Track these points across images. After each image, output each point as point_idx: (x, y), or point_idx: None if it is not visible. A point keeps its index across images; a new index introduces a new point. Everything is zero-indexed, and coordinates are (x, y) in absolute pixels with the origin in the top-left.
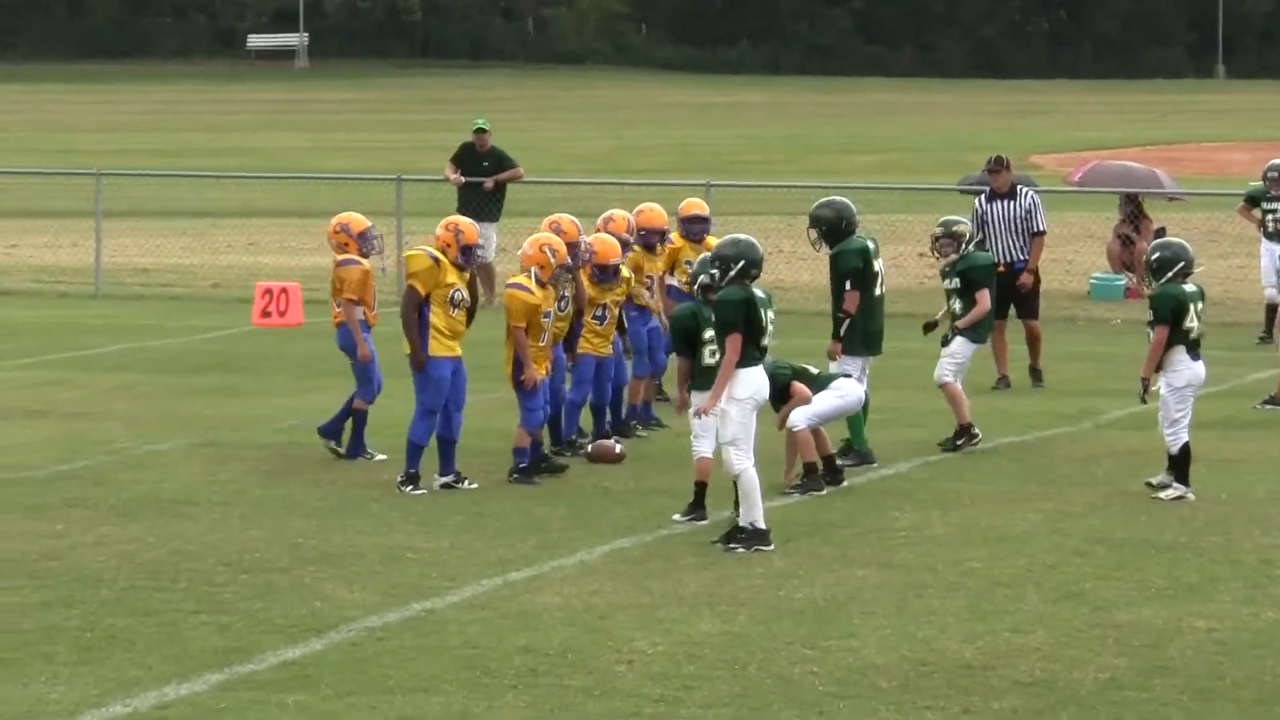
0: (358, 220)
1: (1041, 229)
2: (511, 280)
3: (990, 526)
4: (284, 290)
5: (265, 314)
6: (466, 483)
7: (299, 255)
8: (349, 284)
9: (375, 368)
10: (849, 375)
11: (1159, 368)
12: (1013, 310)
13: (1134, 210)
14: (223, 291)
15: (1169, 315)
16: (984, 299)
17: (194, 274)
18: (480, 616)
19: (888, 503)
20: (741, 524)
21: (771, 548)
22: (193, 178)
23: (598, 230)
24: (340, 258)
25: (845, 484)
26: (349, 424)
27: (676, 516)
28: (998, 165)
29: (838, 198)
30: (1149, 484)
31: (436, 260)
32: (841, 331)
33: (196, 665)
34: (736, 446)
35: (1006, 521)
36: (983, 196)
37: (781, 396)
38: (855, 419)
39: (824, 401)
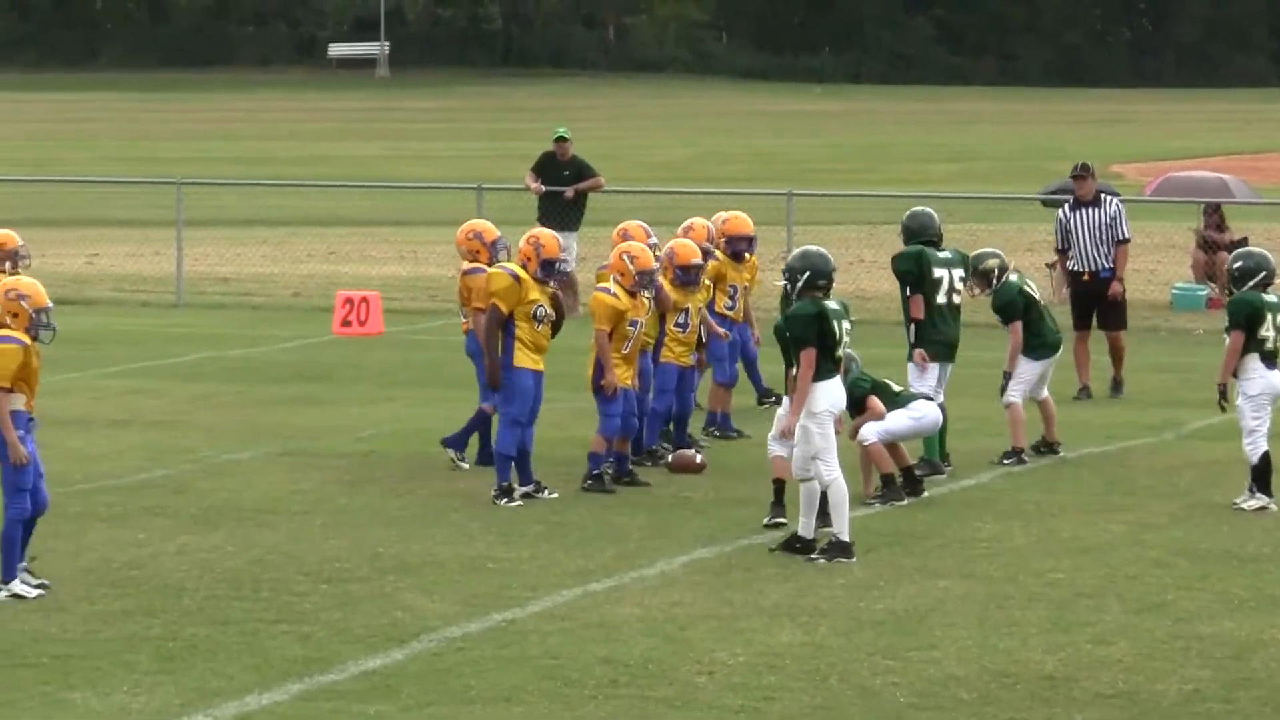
0: (490, 229)
1: (1126, 237)
2: (600, 285)
3: (1072, 537)
4: (364, 299)
5: (345, 323)
6: (547, 492)
7: (379, 264)
8: (478, 292)
9: None
10: (930, 398)
11: (1235, 375)
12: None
13: (1217, 220)
14: (303, 300)
15: (1243, 321)
16: (1016, 332)
17: (274, 283)
18: (561, 627)
19: (969, 513)
20: (801, 533)
21: (854, 561)
22: (273, 187)
23: (678, 237)
24: (469, 266)
25: (926, 495)
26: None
27: (766, 520)
28: (1084, 172)
29: (919, 208)
30: (1235, 504)
31: (517, 278)
32: (912, 338)
33: (277, 675)
34: (823, 459)
35: (1088, 532)
36: (1067, 205)
37: (859, 409)
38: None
39: (897, 420)
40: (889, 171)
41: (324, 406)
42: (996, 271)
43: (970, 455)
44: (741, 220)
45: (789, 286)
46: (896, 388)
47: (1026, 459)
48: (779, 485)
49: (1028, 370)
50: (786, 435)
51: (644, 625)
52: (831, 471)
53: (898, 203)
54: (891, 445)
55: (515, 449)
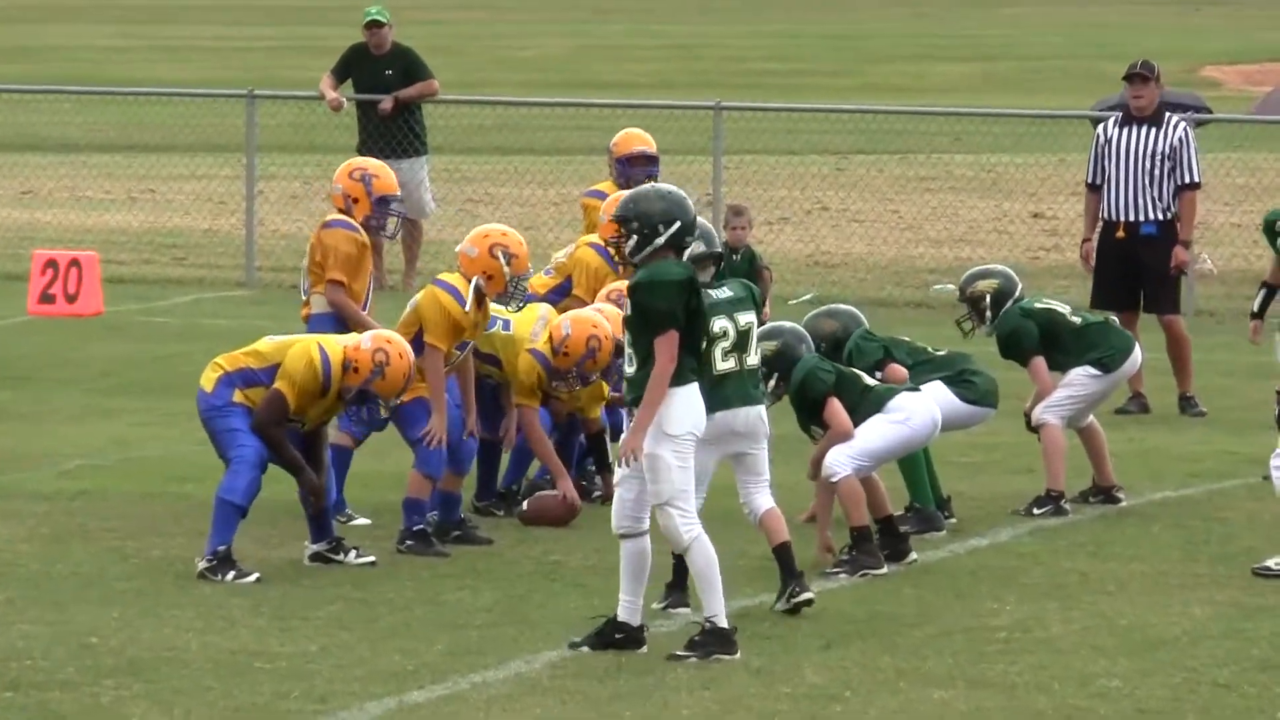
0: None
1: (1193, 180)
2: (442, 277)
3: (1135, 625)
4: (75, 262)
5: (47, 298)
6: (355, 554)
7: (99, 210)
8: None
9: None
10: (915, 389)
11: None
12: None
13: None
14: None
15: None
16: (1038, 371)
17: None
18: None
19: (980, 589)
20: (623, 617)
21: (737, 656)
22: None
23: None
24: (334, 218)
25: (914, 559)
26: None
27: (660, 603)
28: (1146, 72)
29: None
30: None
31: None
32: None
33: None
34: (677, 506)
35: (1159, 618)
36: (1112, 120)
37: (813, 415)
38: (915, 459)
39: (876, 433)
40: (868, 74)
41: (13, 424)
42: (993, 294)
43: (983, 502)
44: (638, 137)
45: (632, 243)
46: (869, 380)
47: (1068, 507)
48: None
49: (1088, 385)
50: (629, 458)
51: None
52: (690, 525)
53: (881, 121)
54: (867, 481)
55: (250, 498)
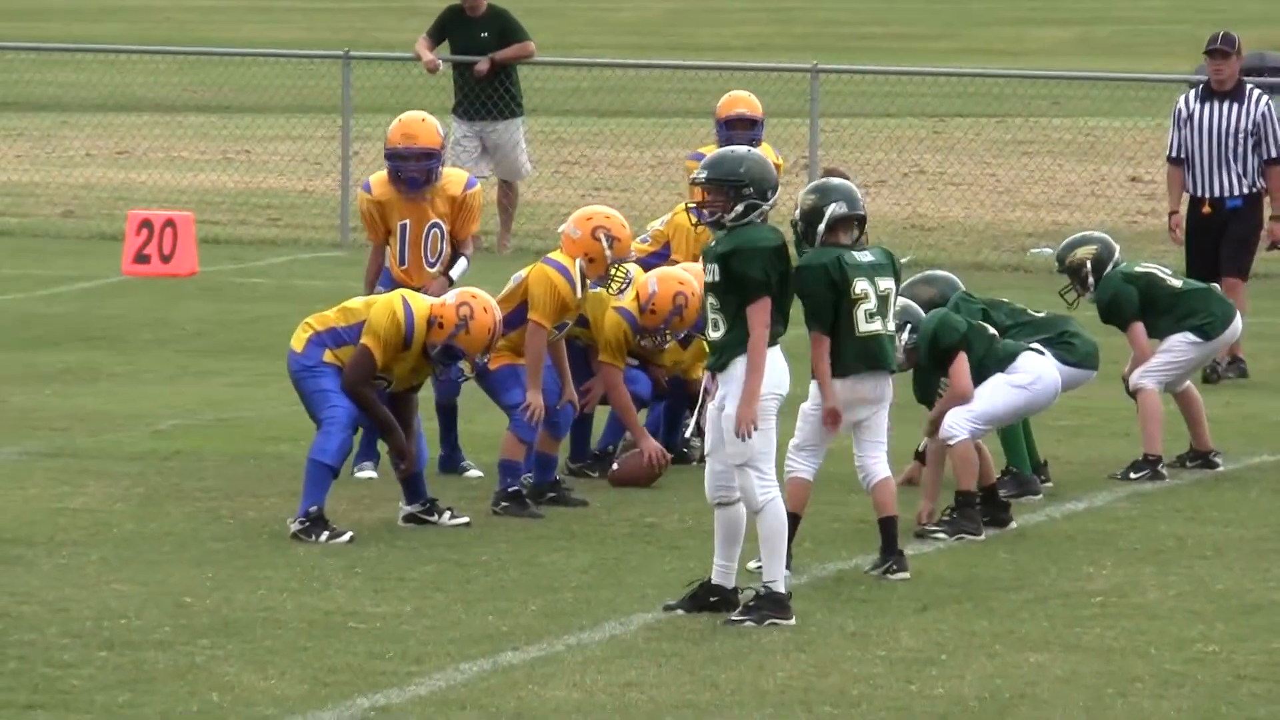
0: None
1: (1276, 155)
2: (553, 257)
3: (1232, 591)
4: (170, 223)
5: (142, 258)
6: (448, 515)
7: (193, 170)
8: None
9: None
10: (1041, 352)
11: None
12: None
13: None
14: (79, 224)
15: None
16: (1137, 336)
17: (35, 197)
18: (459, 718)
19: (1077, 553)
20: (717, 580)
21: (792, 622)
22: (35, 51)
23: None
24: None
25: (1014, 525)
26: None
27: (750, 565)
28: (1226, 47)
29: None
30: None
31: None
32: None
33: None
34: (758, 467)
35: (1256, 583)
36: (1193, 93)
37: (940, 364)
38: (1014, 425)
39: (997, 396)
40: (965, 37)
41: (108, 384)
42: (1090, 266)
43: (1080, 466)
44: (745, 100)
45: (736, 207)
46: (992, 330)
47: (1165, 472)
48: (791, 521)
49: (1187, 351)
50: (747, 431)
51: (584, 717)
52: (768, 488)
53: (978, 85)
54: (976, 447)
55: (342, 458)
